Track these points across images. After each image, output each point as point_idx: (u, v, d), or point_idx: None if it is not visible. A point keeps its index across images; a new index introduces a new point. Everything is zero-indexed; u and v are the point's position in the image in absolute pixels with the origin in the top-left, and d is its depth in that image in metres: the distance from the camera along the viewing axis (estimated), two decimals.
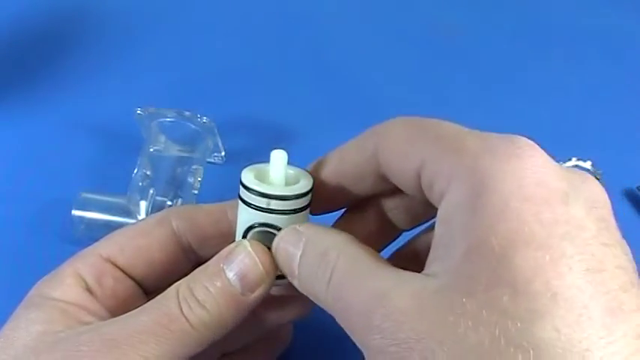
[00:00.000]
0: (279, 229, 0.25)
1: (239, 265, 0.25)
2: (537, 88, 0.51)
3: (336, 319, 0.22)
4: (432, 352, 0.18)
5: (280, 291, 0.28)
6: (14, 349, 0.24)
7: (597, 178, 0.45)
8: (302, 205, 0.25)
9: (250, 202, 0.25)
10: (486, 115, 0.49)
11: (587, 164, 0.45)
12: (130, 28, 0.54)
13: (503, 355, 0.17)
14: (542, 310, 0.17)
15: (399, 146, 0.23)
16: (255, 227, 0.25)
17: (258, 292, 0.25)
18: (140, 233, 0.28)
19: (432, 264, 0.20)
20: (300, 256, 0.24)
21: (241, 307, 0.25)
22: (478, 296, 0.18)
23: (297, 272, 0.24)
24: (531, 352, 0.17)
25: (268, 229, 0.25)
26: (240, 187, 0.25)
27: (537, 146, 0.20)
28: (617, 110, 0.50)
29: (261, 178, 0.26)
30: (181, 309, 0.24)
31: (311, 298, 0.24)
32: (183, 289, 0.24)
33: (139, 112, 0.41)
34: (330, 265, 0.22)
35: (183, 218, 0.28)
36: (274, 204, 0.25)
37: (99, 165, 0.43)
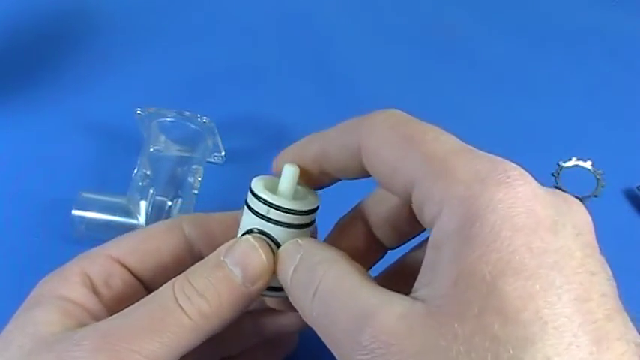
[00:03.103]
0: (275, 240, 0.25)
1: (241, 256, 0.25)
2: (537, 88, 0.51)
3: (319, 334, 0.22)
4: None
5: (279, 305, 0.28)
6: (9, 352, 0.23)
7: (597, 179, 0.45)
8: (301, 222, 0.26)
9: (252, 207, 0.26)
10: (486, 115, 0.49)
11: (587, 164, 0.45)
12: (130, 28, 0.54)
13: None
14: (533, 338, 0.18)
15: (387, 161, 0.23)
16: (254, 233, 0.25)
17: (259, 285, 0.25)
18: (151, 237, 0.28)
19: (420, 288, 0.20)
20: (294, 269, 0.24)
21: (242, 299, 0.24)
22: (469, 322, 0.18)
23: (288, 284, 0.24)
24: None
25: (265, 238, 0.25)
26: (248, 192, 0.26)
27: (526, 173, 0.21)
28: (618, 110, 0.50)
29: (271, 188, 0.26)
30: (177, 300, 0.24)
31: (299, 312, 0.24)
32: (181, 281, 0.24)
33: (139, 112, 0.41)
34: (316, 280, 0.22)
35: (195, 225, 0.28)
36: (273, 213, 0.25)
37: (99, 165, 0.43)
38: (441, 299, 0.19)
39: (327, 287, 0.22)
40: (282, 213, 0.25)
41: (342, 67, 0.52)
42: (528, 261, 0.19)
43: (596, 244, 0.21)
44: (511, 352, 0.17)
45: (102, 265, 0.27)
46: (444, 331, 0.18)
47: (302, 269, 0.24)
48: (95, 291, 0.26)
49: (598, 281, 0.19)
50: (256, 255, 0.25)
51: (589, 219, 0.21)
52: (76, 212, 0.38)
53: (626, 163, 0.45)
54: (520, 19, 0.58)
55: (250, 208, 0.26)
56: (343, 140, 0.25)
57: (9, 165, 0.43)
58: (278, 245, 0.25)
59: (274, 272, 0.25)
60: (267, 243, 0.25)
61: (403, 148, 0.22)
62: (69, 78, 0.49)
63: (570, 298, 0.18)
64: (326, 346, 0.22)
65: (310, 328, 0.24)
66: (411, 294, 0.21)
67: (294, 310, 0.26)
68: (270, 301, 0.28)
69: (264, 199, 0.25)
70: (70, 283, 0.26)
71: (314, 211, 0.26)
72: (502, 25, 0.57)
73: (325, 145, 0.26)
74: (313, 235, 0.28)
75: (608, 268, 0.20)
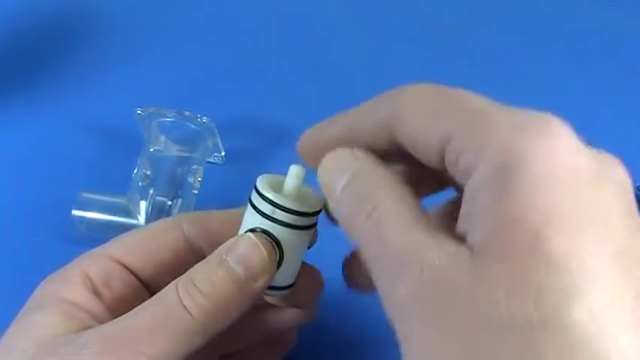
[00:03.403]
0: (277, 240, 0.25)
1: (243, 254, 0.24)
2: (537, 88, 0.51)
3: (363, 255, 0.22)
4: (464, 319, 0.18)
5: (280, 302, 0.28)
6: (12, 355, 0.23)
7: None
8: (305, 224, 0.25)
9: (257, 206, 0.25)
10: None
11: None
12: (130, 28, 0.54)
13: (535, 331, 0.17)
14: (577, 288, 0.17)
15: (422, 118, 0.22)
16: (256, 232, 0.25)
17: (262, 282, 0.25)
18: (151, 236, 0.28)
19: (466, 235, 0.20)
20: (347, 182, 0.23)
21: (245, 297, 0.24)
22: (513, 269, 0.18)
23: (338, 196, 0.23)
24: (564, 331, 0.17)
25: (267, 237, 0.25)
26: (253, 190, 0.26)
27: (567, 126, 0.20)
28: (618, 110, 0.50)
29: (276, 187, 0.26)
30: (181, 301, 0.24)
31: (344, 227, 0.23)
32: (184, 281, 0.24)
33: (139, 112, 0.41)
34: (371, 204, 0.21)
35: (196, 223, 0.28)
36: (278, 214, 0.25)
37: (99, 165, 0.43)
38: (484, 245, 0.19)
39: (383, 215, 0.21)
40: (287, 214, 0.25)
41: (342, 67, 0.52)
42: (573, 212, 0.18)
43: (635, 205, 0.20)
44: (554, 301, 0.17)
45: (102, 266, 0.27)
46: (486, 276, 0.18)
47: (357, 186, 0.22)
48: (96, 292, 0.26)
49: (638, 237, 0.19)
50: (258, 253, 0.25)
51: (628, 179, 0.21)
52: (76, 212, 0.38)
53: (626, 163, 0.45)
54: (520, 19, 0.58)
55: (255, 207, 0.25)
56: (372, 114, 0.24)
57: (9, 165, 0.43)
58: (279, 245, 0.25)
59: (277, 268, 0.25)
60: (269, 241, 0.25)
61: (439, 104, 0.22)
62: (69, 78, 0.49)
63: (615, 252, 0.18)
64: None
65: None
66: (457, 240, 0.20)
67: (294, 306, 0.26)
68: (271, 299, 0.28)
69: (269, 199, 0.25)
70: (72, 285, 0.26)
71: (319, 212, 0.26)
72: (502, 25, 0.57)
73: (351, 121, 0.25)
74: (313, 237, 0.27)
75: None
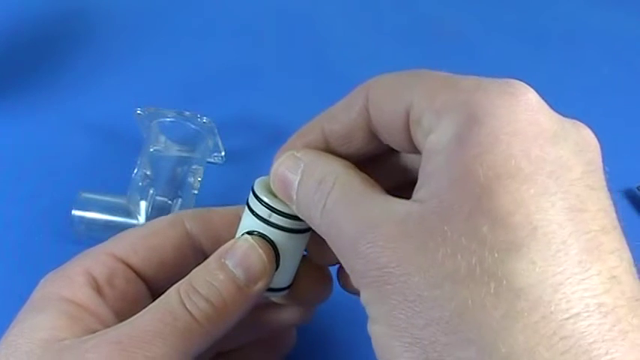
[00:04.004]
0: (274, 244, 0.25)
1: (242, 257, 0.25)
2: (537, 88, 0.51)
3: (329, 244, 0.22)
4: (409, 276, 0.19)
5: (283, 300, 0.28)
6: (17, 357, 0.23)
7: None
8: (302, 227, 0.25)
9: (254, 209, 0.25)
10: None
11: None
12: (130, 28, 0.54)
13: (477, 283, 0.18)
14: (520, 243, 0.18)
15: (387, 90, 0.23)
16: (254, 235, 0.25)
17: (262, 284, 0.25)
18: (153, 233, 0.28)
19: (418, 191, 0.20)
20: (298, 182, 0.24)
21: (246, 299, 0.24)
22: (459, 224, 0.18)
23: (294, 198, 0.24)
24: (504, 281, 0.17)
25: (265, 241, 0.25)
26: (250, 193, 0.26)
27: (532, 89, 0.21)
28: (617, 110, 0.50)
29: (273, 191, 0.26)
30: (185, 305, 0.24)
31: (308, 222, 0.24)
32: (185, 286, 0.24)
33: (138, 112, 0.41)
34: (325, 192, 0.22)
35: (197, 220, 0.28)
36: (275, 218, 0.25)
37: (99, 165, 0.43)
38: (435, 201, 0.19)
39: (336, 199, 0.22)
40: (284, 218, 0.25)
41: (342, 67, 0.52)
42: (525, 166, 0.18)
43: (601, 165, 0.20)
44: (496, 255, 0.18)
45: (105, 264, 0.27)
46: (433, 232, 0.18)
47: (308, 182, 0.23)
48: (99, 291, 0.26)
49: (597, 196, 0.19)
50: (257, 255, 0.25)
51: (595, 141, 0.21)
52: (76, 212, 0.38)
53: (626, 163, 0.45)
54: (520, 19, 0.58)
55: (252, 210, 0.26)
56: (348, 99, 0.24)
57: (9, 165, 0.43)
58: (276, 248, 0.25)
59: (276, 270, 0.25)
60: (267, 243, 0.25)
61: (405, 77, 0.22)
62: (69, 78, 0.49)
63: (564, 207, 0.18)
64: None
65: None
66: (412, 198, 0.21)
67: (294, 304, 0.26)
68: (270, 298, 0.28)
69: (266, 203, 0.25)
70: (74, 284, 0.26)
71: None
72: (502, 25, 0.57)
73: (332, 110, 0.25)
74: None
75: (608, 191, 0.20)
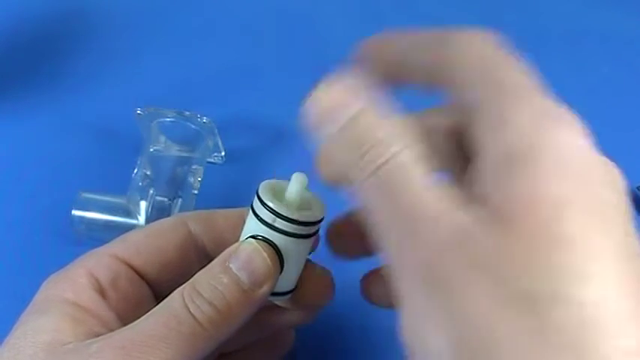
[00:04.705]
0: (277, 248, 0.25)
1: (246, 260, 0.24)
2: None
3: (363, 212, 0.20)
4: (474, 283, 0.18)
5: (285, 303, 0.28)
6: None
7: None
8: (306, 233, 0.25)
9: (259, 214, 0.25)
10: None
11: None
12: (130, 28, 0.54)
13: (548, 306, 0.17)
14: (588, 271, 0.17)
15: (469, 70, 0.22)
16: (258, 239, 0.25)
17: (266, 287, 0.25)
18: (156, 235, 0.28)
19: (476, 201, 0.19)
20: (352, 119, 0.20)
21: (250, 303, 0.24)
22: (532, 244, 0.18)
23: (334, 135, 0.21)
24: (575, 308, 0.17)
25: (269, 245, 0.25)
26: (255, 197, 0.26)
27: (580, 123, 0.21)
28: (617, 110, 0.50)
29: (278, 195, 0.26)
30: (189, 309, 0.23)
31: (332, 173, 0.22)
32: (189, 290, 0.24)
33: (138, 112, 0.41)
34: (383, 155, 0.19)
35: (201, 222, 0.28)
36: (279, 223, 0.25)
37: (99, 165, 0.43)
38: (505, 214, 0.18)
39: (395, 171, 0.19)
40: (288, 223, 0.25)
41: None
42: (583, 203, 0.18)
43: (630, 209, 0.21)
44: (568, 279, 0.17)
45: (108, 265, 0.26)
46: (507, 245, 0.18)
47: (364, 126, 0.20)
48: (102, 293, 0.26)
49: (633, 242, 0.19)
50: (261, 259, 0.25)
51: (626, 185, 0.22)
52: (76, 212, 0.38)
53: (626, 163, 0.45)
54: (520, 19, 0.58)
55: (256, 214, 0.25)
56: (425, 48, 0.23)
57: (9, 165, 0.43)
58: (279, 253, 0.25)
59: (281, 268, 0.25)
60: (271, 247, 0.25)
61: (487, 65, 0.23)
62: (69, 78, 0.49)
63: (615, 245, 0.18)
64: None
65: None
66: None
67: (297, 307, 0.25)
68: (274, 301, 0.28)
69: (271, 208, 0.25)
70: (77, 286, 0.25)
71: (321, 221, 0.26)
72: (502, 25, 0.57)
73: (406, 48, 0.23)
74: (315, 243, 0.27)
75: None
